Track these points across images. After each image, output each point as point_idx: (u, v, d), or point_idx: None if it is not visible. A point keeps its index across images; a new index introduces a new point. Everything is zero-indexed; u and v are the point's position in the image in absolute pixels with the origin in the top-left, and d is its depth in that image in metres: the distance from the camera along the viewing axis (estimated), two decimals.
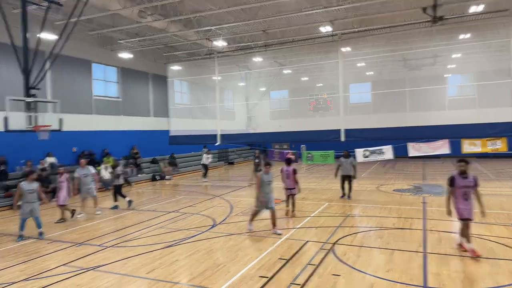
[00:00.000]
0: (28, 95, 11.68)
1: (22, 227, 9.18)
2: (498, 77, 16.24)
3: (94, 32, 17.73)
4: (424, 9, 14.22)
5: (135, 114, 21.54)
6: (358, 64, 22.75)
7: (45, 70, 12.27)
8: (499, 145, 14.50)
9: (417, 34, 17.54)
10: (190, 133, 20.41)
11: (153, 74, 22.83)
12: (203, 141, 21.05)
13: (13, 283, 6.39)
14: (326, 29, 17.03)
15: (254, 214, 9.21)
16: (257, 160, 17.58)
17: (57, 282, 6.41)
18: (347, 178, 13.07)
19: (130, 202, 12.75)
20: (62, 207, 10.95)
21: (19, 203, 9.30)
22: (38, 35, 12.43)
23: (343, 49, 18.23)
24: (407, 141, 16.30)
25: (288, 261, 7.06)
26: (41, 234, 9.25)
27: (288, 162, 10.84)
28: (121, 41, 19.04)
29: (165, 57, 22.36)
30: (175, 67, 22.11)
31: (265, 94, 29.83)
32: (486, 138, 14.69)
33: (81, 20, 14.54)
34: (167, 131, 20.73)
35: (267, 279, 6.23)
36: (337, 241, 8.26)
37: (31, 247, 8.52)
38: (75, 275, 6.67)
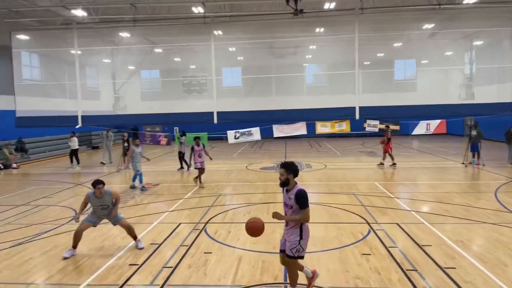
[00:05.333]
0: None
1: None
2: (345, 68, 18.88)
3: None
4: (287, 1, 15.38)
5: None
6: (230, 49, 23.31)
7: None
8: (344, 127, 17.09)
9: (282, 24, 18.90)
10: (44, 114, 17.78)
11: None
12: (60, 123, 18.63)
13: None
14: (198, 10, 16.89)
15: None
16: (126, 144, 16.57)
17: None
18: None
19: None
20: None
21: None
22: None
23: (215, 33, 18.40)
24: (273, 123, 17.69)
25: (160, 245, 6.98)
26: None
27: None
28: None
29: (8, 24, 18.61)
30: (22, 37, 18.68)
31: (134, 73, 27.89)
32: (334, 121, 17.14)
33: None
34: (12, 111, 17.59)
35: (137, 266, 6.05)
36: (209, 220, 8.54)
37: None
38: None
